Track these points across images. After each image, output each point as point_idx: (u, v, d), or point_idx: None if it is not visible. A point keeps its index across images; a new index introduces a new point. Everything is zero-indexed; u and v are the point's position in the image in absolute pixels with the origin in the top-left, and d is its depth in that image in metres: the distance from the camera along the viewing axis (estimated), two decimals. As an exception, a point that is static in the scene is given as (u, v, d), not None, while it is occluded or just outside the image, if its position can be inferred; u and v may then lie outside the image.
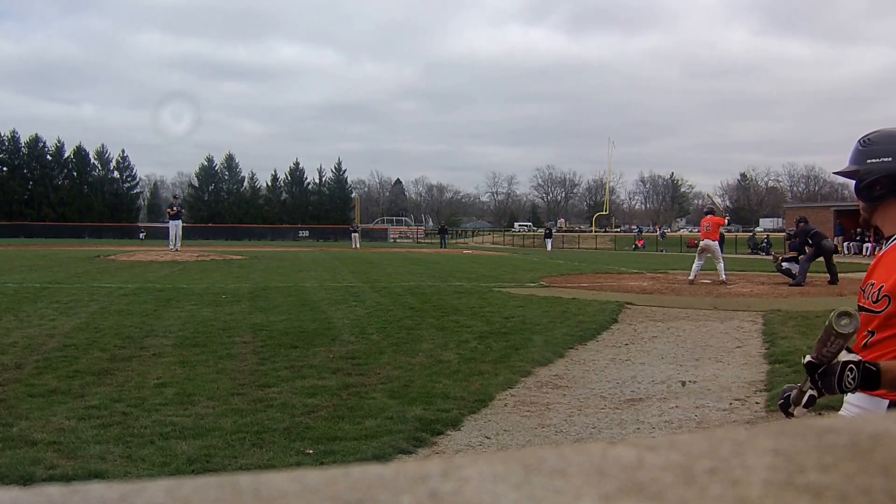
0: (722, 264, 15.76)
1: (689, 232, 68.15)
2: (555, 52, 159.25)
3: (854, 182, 2.12)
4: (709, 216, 16.45)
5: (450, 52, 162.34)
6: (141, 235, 59.52)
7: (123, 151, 75.37)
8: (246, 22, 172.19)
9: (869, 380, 1.86)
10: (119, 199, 72.68)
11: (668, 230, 79.68)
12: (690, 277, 15.64)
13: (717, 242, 15.79)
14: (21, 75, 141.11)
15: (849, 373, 1.85)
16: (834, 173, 2.27)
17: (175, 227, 25.86)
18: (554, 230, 55.01)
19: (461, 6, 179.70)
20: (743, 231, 65.54)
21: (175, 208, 26.86)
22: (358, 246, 42.95)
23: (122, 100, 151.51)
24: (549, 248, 44.01)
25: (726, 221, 17.77)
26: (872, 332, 2.01)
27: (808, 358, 1.92)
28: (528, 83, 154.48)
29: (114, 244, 40.85)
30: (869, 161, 2.06)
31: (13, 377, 5.85)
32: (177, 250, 24.99)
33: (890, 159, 2.03)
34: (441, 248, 46.47)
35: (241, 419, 4.75)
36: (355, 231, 47.11)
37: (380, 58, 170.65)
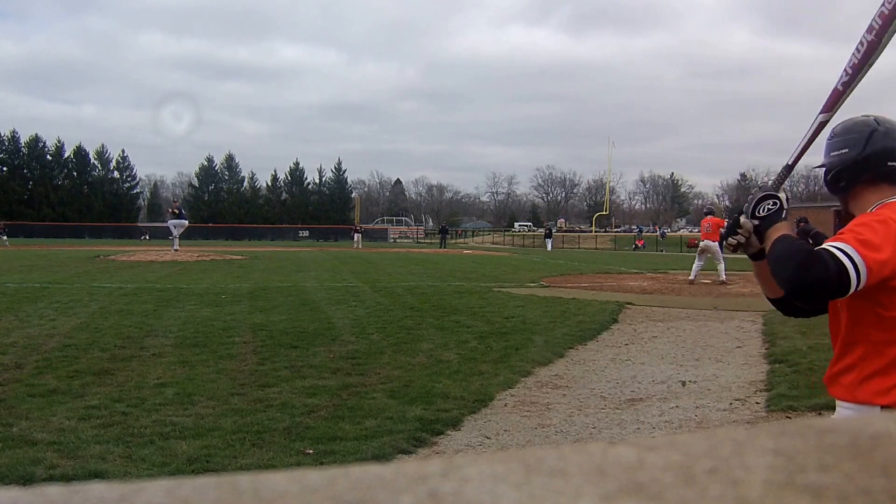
0: (722, 265, 15.83)
1: (689, 232, 68.11)
2: (556, 53, 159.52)
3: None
4: (709, 217, 16.52)
5: (451, 52, 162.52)
6: (144, 237, 59.40)
7: (123, 151, 75.50)
8: (247, 22, 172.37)
9: (771, 220, 2.02)
10: (119, 199, 72.71)
11: (668, 230, 79.69)
12: (690, 277, 15.77)
13: (717, 243, 15.84)
14: (22, 75, 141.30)
15: (768, 202, 2.05)
16: (814, 168, 2.30)
17: (175, 227, 25.73)
18: (554, 230, 54.97)
19: (463, 6, 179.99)
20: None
21: (175, 209, 26.72)
22: (360, 246, 42.72)
23: (123, 100, 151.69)
24: (549, 248, 43.98)
25: (726, 222, 17.86)
26: None
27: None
28: (528, 83, 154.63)
29: (114, 244, 40.89)
30: (832, 154, 2.09)
31: (13, 377, 5.85)
32: (176, 250, 24.94)
33: (847, 150, 2.04)
34: (441, 247, 46.43)
35: (241, 419, 4.75)
36: (358, 232, 46.14)
37: (381, 58, 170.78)
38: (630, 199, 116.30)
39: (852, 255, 1.80)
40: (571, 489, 0.40)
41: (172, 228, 25.33)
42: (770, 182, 2.19)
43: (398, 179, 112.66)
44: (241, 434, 4.44)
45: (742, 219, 2.11)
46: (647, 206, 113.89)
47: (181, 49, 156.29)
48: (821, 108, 2.15)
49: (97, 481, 0.50)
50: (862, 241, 1.83)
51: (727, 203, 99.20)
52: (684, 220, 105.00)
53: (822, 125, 2.15)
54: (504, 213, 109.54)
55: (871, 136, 2.02)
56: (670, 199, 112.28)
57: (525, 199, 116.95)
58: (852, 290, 1.80)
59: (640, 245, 51.97)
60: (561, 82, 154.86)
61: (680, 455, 0.44)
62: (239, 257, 25.24)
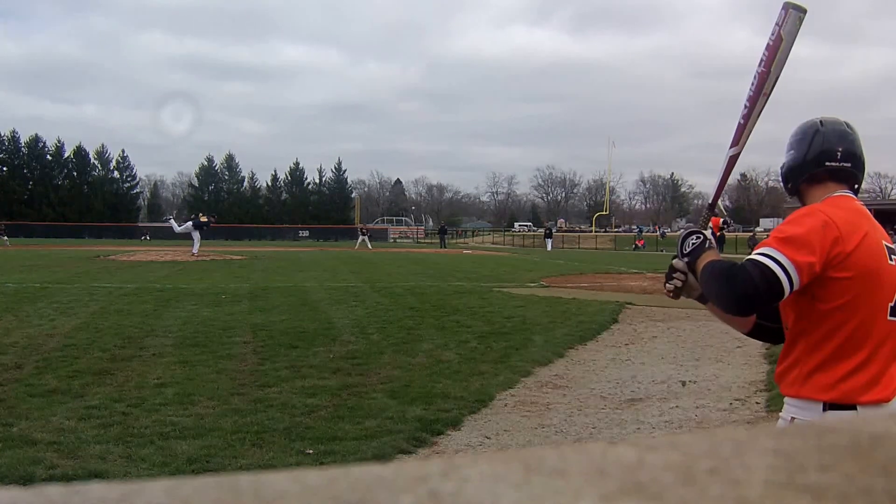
0: None
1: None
2: (557, 53, 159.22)
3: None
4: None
5: (452, 52, 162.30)
6: (144, 237, 59.47)
7: (123, 151, 75.49)
8: (249, 22, 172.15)
9: (697, 252, 2.06)
10: (119, 199, 72.70)
11: (669, 230, 79.70)
12: None
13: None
14: (24, 75, 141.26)
15: (692, 238, 2.09)
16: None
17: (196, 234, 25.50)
18: (554, 230, 54.82)
19: (464, 7, 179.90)
20: (743, 231, 65.55)
21: (195, 217, 26.54)
22: (358, 247, 41.64)
23: (123, 100, 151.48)
24: (549, 248, 43.79)
25: (721, 222, 17.85)
26: None
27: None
28: (529, 83, 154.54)
29: (114, 244, 40.88)
30: (785, 157, 2.15)
31: (13, 377, 5.85)
32: (193, 255, 24.78)
33: (793, 152, 2.11)
34: (441, 247, 46.32)
35: (241, 419, 4.75)
36: (364, 234, 43.19)
37: (383, 58, 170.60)
38: (630, 199, 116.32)
39: (777, 257, 1.83)
40: (571, 489, 0.40)
41: (197, 234, 25.15)
42: (697, 221, 2.24)
43: (398, 179, 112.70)
44: (241, 434, 4.44)
45: (674, 262, 2.15)
46: (647, 206, 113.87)
47: (182, 49, 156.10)
48: (730, 142, 2.19)
49: (97, 481, 0.50)
50: (784, 239, 1.86)
51: (728, 203, 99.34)
52: (684, 220, 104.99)
53: (732, 159, 2.22)
54: (504, 213, 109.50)
55: (812, 137, 2.07)
56: (670, 199, 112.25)
57: (525, 199, 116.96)
58: (787, 291, 1.82)
59: (640, 245, 51.95)
60: (561, 82, 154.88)
61: (680, 455, 0.44)
62: (239, 257, 25.23)
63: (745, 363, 6.98)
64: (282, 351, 7.14)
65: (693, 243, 2.09)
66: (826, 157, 2.03)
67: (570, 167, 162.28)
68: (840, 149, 2.03)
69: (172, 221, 26.08)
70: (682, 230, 2.20)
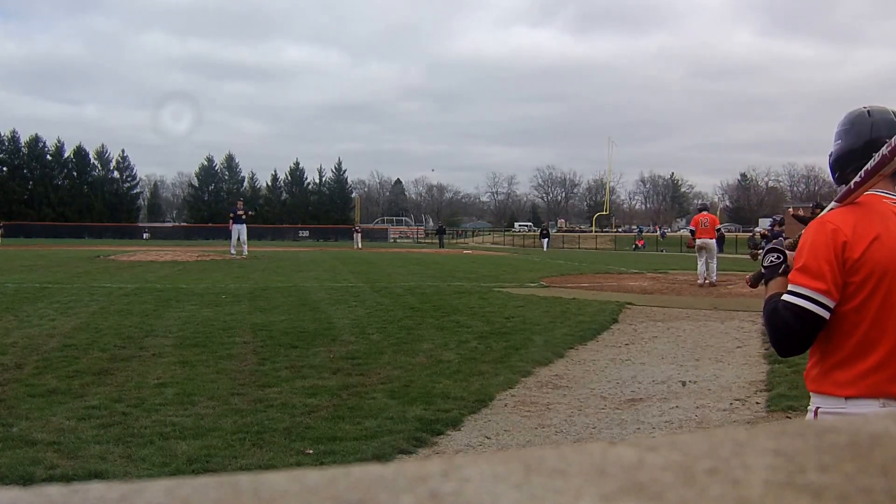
0: (714, 263, 15.46)
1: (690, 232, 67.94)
2: (559, 53, 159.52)
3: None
4: (704, 213, 16.08)
5: (454, 52, 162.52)
6: (145, 235, 59.70)
7: (123, 151, 75.64)
8: (251, 23, 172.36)
9: (770, 274, 2.09)
10: (119, 199, 72.73)
11: (669, 230, 79.69)
12: (712, 279, 15.13)
13: (714, 240, 15.57)
14: (24, 75, 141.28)
15: (772, 255, 2.11)
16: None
17: (238, 230, 24.69)
18: (553, 231, 54.28)
19: (466, 7, 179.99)
20: (743, 231, 65.54)
21: (240, 210, 25.46)
22: (359, 246, 42.29)
23: (124, 100, 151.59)
24: (545, 248, 42.96)
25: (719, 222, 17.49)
26: None
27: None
28: (530, 84, 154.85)
29: (114, 244, 40.89)
30: (833, 146, 2.13)
31: (13, 377, 5.84)
32: (242, 255, 24.01)
33: (840, 142, 2.09)
34: (439, 248, 46.27)
35: (241, 419, 4.75)
36: (358, 232, 45.55)
37: (384, 58, 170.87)
38: (630, 199, 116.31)
39: (802, 292, 1.89)
40: (571, 489, 0.40)
41: (235, 235, 24.46)
42: (787, 241, 2.25)
43: (398, 179, 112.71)
44: (241, 434, 4.43)
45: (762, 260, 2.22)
46: (648, 206, 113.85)
47: (183, 49, 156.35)
48: (837, 196, 2.10)
49: (97, 481, 0.50)
50: (802, 269, 1.92)
51: (727, 203, 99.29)
52: (684, 220, 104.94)
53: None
54: (504, 214, 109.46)
55: (859, 127, 2.05)
56: (670, 199, 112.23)
57: (525, 199, 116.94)
58: (827, 316, 1.89)
59: (640, 245, 51.94)
60: (563, 82, 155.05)
61: (680, 455, 0.44)
62: (239, 257, 25.22)
63: (745, 363, 6.98)
64: (282, 351, 7.14)
65: (772, 261, 2.11)
66: (872, 148, 1.96)
67: (570, 167, 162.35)
68: (888, 139, 1.98)
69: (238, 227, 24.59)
70: (774, 240, 2.24)
